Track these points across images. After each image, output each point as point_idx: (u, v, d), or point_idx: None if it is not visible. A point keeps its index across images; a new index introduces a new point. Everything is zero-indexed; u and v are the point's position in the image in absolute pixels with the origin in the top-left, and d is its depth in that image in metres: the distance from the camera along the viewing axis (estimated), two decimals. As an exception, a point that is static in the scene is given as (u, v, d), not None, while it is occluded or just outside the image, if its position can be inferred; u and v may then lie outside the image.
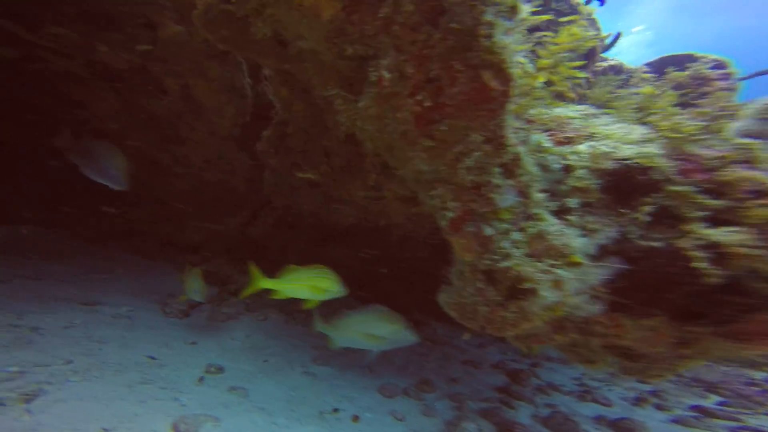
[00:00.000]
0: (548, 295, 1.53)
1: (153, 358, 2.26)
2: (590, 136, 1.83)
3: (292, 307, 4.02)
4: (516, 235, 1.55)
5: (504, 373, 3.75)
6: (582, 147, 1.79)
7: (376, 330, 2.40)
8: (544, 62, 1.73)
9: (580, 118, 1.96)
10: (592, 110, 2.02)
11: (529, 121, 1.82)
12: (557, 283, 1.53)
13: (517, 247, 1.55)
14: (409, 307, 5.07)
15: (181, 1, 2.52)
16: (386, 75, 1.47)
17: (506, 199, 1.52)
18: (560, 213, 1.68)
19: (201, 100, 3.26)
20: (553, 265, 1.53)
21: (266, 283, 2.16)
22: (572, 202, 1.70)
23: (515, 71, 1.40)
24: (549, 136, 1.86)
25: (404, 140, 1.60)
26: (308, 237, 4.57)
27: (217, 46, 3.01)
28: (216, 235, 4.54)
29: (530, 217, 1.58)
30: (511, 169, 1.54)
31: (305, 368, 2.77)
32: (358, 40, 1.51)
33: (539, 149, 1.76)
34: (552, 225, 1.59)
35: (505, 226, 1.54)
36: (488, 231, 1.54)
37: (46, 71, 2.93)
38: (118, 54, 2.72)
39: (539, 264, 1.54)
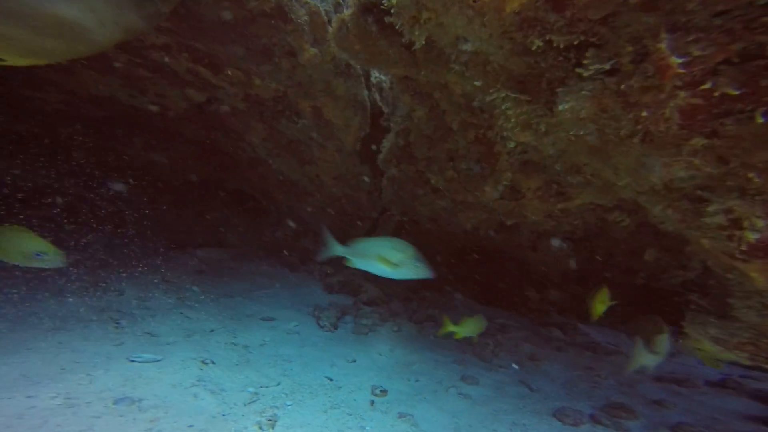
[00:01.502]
0: None
1: (330, 379, 2.44)
2: None
3: (418, 316, 4.00)
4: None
5: (745, 395, 2.94)
6: None
7: (390, 256, 2.25)
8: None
9: None
10: None
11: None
12: None
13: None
14: (545, 308, 4.57)
15: (315, 24, 2.66)
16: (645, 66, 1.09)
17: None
18: None
19: (330, 118, 3.44)
20: None
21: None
22: None
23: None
24: None
25: (650, 143, 1.24)
26: (429, 243, 4.45)
27: (343, 63, 3.17)
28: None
29: None
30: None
31: (458, 389, 2.63)
32: (564, 28, 1.21)
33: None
34: None
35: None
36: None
37: (219, 111, 3.52)
38: (268, 84, 3.05)
39: None
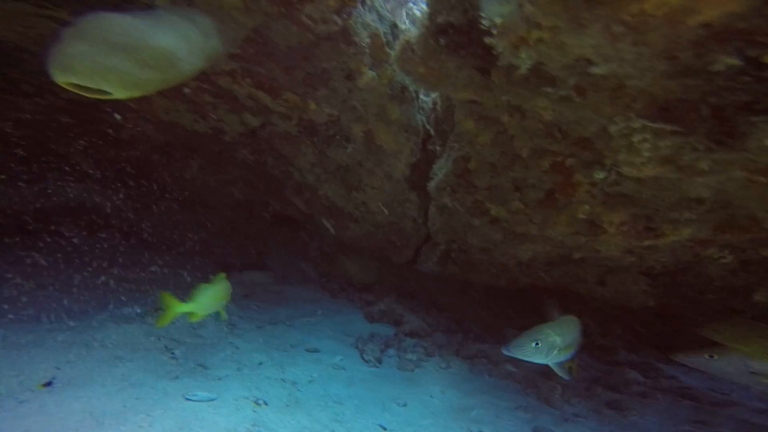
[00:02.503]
0: None
1: (384, 429, 2.25)
2: None
3: (467, 351, 3.72)
4: None
5: None
6: None
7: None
8: None
9: None
10: None
11: None
12: None
13: None
14: (612, 345, 4.14)
15: (375, 46, 2.62)
16: None
17: None
18: None
19: (381, 144, 3.36)
20: None
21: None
22: None
23: None
24: None
25: None
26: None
27: (399, 87, 3.10)
28: (386, 273, 4.68)
29: None
30: None
31: None
32: None
33: None
34: None
35: None
36: None
37: (272, 134, 3.56)
38: (323, 109, 3.03)
39: None
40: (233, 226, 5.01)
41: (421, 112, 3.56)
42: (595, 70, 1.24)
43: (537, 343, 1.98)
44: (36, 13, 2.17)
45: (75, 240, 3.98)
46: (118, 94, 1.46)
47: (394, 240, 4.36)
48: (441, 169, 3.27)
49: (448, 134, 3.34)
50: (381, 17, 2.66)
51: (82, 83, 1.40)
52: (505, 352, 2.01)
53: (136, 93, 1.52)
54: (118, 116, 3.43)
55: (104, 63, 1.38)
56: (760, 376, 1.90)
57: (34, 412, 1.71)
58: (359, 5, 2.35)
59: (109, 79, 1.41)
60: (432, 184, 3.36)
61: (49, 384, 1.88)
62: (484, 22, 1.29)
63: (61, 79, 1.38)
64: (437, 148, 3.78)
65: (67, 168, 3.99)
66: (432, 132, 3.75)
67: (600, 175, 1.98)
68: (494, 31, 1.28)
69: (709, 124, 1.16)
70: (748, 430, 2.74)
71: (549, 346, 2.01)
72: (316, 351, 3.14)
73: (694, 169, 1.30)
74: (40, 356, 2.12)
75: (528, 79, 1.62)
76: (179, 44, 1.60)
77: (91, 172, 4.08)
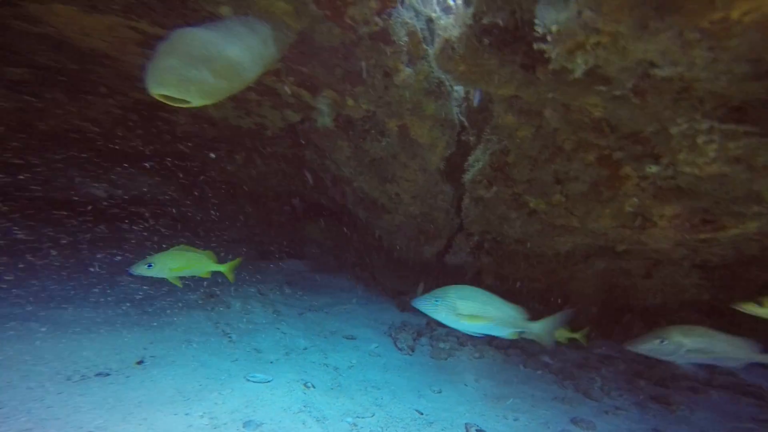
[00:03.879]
0: None
1: (420, 413, 2.36)
2: None
3: (499, 341, 3.75)
4: None
5: None
6: None
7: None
8: None
9: None
10: None
11: None
12: None
13: None
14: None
15: (412, 43, 2.63)
16: None
17: None
18: None
19: (416, 138, 3.38)
20: None
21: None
22: None
23: None
24: None
25: None
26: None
27: (435, 82, 3.09)
28: (415, 263, 4.76)
29: None
30: None
31: None
32: None
33: None
34: None
35: None
36: None
37: (310, 129, 3.69)
38: (360, 105, 3.10)
39: None
40: (272, 216, 5.27)
41: (455, 102, 3.52)
42: (659, 72, 1.20)
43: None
44: (123, 24, 2.38)
45: (142, 230, 4.38)
46: (196, 102, 1.60)
47: (426, 230, 4.41)
48: (477, 162, 3.25)
49: (483, 125, 3.30)
50: (417, 13, 2.64)
51: (171, 95, 1.55)
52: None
53: (209, 101, 1.66)
54: (175, 115, 3.69)
55: (188, 76, 1.52)
56: (695, 353, 2.16)
57: (138, 386, 1.99)
58: (399, 5, 2.35)
59: (191, 90, 1.54)
60: (467, 177, 3.35)
61: (141, 362, 2.18)
62: (538, 29, 1.27)
63: (156, 91, 1.53)
64: (471, 138, 3.74)
65: (130, 162, 4.37)
66: (465, 123, 3.71)
67: (653, 169, 1.91)
68: (549, 38, 1.26)
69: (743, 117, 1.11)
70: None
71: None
72: (353, 338, 3.31)
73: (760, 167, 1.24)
74: (131, 337, 2.44)
75: (579, 80, 1.58)
76: (245, 54, 1.71)
77: (149, 165, 4.44)
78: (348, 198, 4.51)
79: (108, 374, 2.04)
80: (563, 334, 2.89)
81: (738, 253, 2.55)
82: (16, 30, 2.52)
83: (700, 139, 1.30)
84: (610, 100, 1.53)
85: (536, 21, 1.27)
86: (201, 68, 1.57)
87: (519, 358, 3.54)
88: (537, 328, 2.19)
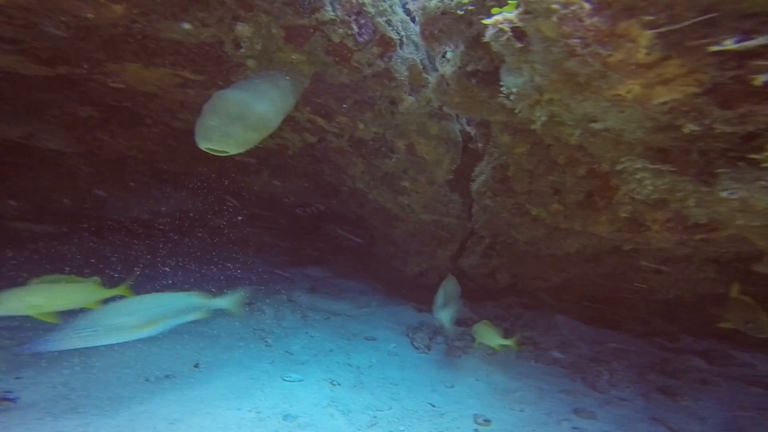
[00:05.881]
0: None
1: (433, 405, 2.64)
2: None
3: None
4: None
5: None
6: None
7: None
8: None
9: None
10: None
11: None
12: None
13: None
14: (671, 331, 4.08)
15: (413, 75, 2.97)
16: None
17: None
18: None
19: (423, 155, 3.65)
20: None
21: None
22: None
23: None
24: None
25: None
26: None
27: (437, 107, 3.36)
28: (432, 267, 5.04)
29: None
30: None
31: (571, 422, 2.51)
32: (734, 119, 1.19)
33: None
34: None
35: None
36: None
37: (327, 148, 4.05)
38: (370, 128, 3.43)
39: None
40: (296, 226, 5.69)
41: (459, 119, 3.75)
42: (596, 126, 1.45)
43: None
44: (171, 74, 2.92)
45: (176, 239, 4.91)
46: (232, 151, 1.96)
47: (438, 235, 4.67)
48: (482, 174, 3.48)
49: (488, 135, 3.51)
50: (417, 46, 2.91)
51: (215, 148, 1.92)
52: None
53: (243, 150, 2.02)
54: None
55: (227, 132, 1.88)
56: None
57: (198, 386, 2.39)
58: (398, 48, 2.64)
59: (230, 143, 1.90)
60: (474, 187, 3.59)
61: (197, 366, 2.60)
62: (503, 90, 1.54)
63: (203, 146, 1.90)
64: (479, 145, 3.96)
65: (170, 181, 4.91)
66: (472, 133, 3.93)
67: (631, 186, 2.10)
68: (512, 97, 1.52)
69: (700, 166, 1.33)
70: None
71: None
72: (373, 339, 3.62)
73: (686, 202, 1.45)
74: (185, 343, 2.87)
75: (545, 125, 1.82)
76: (270, 108, 2.07)
77: (187, 184, 4.96)
78: (364, 209, 4.85)
79: (174, 376, 2.46)
80: (495, 341, 2.92)
81: (751, 247, 2.61)
82: (96, 82, 3.12)
83: (638, 175, 1.52)
84: (580, 138, 1.76)
85: (501, 83, 1.54)
86: (237, 125, 1.92)
87: (531, 354, 3.69)
88: (223, 303, 2.28)
